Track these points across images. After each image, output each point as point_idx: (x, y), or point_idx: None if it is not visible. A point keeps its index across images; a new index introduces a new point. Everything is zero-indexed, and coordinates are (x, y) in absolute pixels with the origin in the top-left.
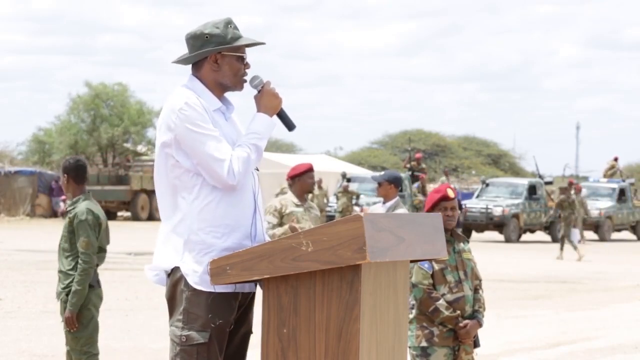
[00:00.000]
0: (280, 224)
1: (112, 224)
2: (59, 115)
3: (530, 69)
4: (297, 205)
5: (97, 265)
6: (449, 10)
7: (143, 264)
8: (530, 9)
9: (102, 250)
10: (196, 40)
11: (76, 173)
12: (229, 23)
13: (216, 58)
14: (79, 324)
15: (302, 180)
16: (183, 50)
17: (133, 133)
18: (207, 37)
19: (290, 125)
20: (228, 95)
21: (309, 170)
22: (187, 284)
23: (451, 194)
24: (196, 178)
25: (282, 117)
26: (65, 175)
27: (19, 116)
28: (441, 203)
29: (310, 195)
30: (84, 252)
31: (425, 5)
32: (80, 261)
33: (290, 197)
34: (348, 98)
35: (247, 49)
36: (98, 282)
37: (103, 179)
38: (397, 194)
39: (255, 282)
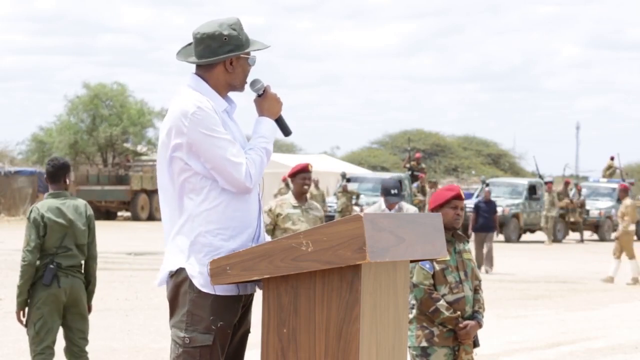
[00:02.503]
0: (274, 225)
1: (112, 224)
2: (59, 115)
3: (530, 69)
4: (294, 207)
5: (59, 265)
6: (450, 11)
7: (143, 264)
8: (531, 9)
9: (68, 250)
10: (213, 41)
11: (47, 173)
12: (241, 24)
13: (231, 60)
14: (28, 321)
15: (295, 181)
16: None
17: (133, 133)
18: (225, 38)
19: (287, 131)
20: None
21: (302, 170)
22: (192, 285)
23: (462, 194)
24: (205, 180)
25: (280, 122)
26: (44, 175)
27: (19, 116)
28: (453, 201)
29: (309, 196)
30: (23, 249)
31: (426, 5)
32: (20, 258)
33: (289, 198)
34: (348, 98)
35: None
36: (57, 281)
37: (103, 179)
38: None
39: (255, 282)
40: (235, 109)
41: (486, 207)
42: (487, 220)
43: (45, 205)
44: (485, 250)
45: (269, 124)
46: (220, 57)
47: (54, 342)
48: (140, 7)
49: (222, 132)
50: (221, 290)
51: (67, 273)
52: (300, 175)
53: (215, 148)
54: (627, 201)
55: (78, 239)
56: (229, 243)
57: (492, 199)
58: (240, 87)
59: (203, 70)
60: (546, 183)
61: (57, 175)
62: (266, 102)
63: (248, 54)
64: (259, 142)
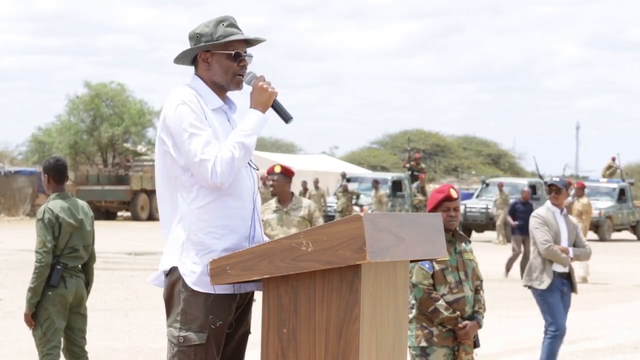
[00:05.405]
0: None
1: (112, 224)
2: (59, 115)
3: (531, 69)
4: (274, 211)
5: (65, 266)
6: (450, 11)
7: (143, 264)
8: (532, 10)
9: (74, 251)
10: (190, 41)
11: (56, 173)
12: (221, 21)
13: (206, 57)
14: (35, 322)
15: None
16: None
17: (133, 133)
18: (197, 36)
19: (286, 117)
20: (233, 96)
21: (268, 173)
22: (185, 284)
23: (454, 194)
24: (194, 177)
25: (277, 109)
26: (46, 175)
27: (19, 116)
28: (444, 203)
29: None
30: (36, 250)
31: (426, 5)
32: (34, 260)
33: (272, 202)
34: (348, 98)
35: (249, 48)
36: (64, 281)
37: (103, 179)
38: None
39: (254, 282)
40: (235, 110)
41: (524, 209)
42: (526, 222)
43: (57, 205)
44: (521, 255)
45: (254, 115)
46: (183, 51)
47: (60, 342)
48: (141, 7)
49: (200, 127)
50: (216, 288)
51: (71, 274)
52: (267, 178)
53: (187, 143)
54: (584, 200)
55: (85, 239)
56: (221, 242)
57: (495, 199)
58: (226, 85)
59: (195, 70)
60: (499, 184)
61: (65, 175)
62: (253, 93)
63: (221, 47)
64: (235, 137)
